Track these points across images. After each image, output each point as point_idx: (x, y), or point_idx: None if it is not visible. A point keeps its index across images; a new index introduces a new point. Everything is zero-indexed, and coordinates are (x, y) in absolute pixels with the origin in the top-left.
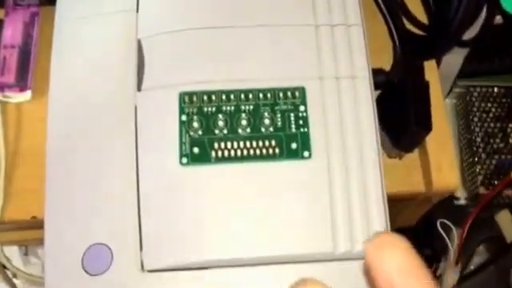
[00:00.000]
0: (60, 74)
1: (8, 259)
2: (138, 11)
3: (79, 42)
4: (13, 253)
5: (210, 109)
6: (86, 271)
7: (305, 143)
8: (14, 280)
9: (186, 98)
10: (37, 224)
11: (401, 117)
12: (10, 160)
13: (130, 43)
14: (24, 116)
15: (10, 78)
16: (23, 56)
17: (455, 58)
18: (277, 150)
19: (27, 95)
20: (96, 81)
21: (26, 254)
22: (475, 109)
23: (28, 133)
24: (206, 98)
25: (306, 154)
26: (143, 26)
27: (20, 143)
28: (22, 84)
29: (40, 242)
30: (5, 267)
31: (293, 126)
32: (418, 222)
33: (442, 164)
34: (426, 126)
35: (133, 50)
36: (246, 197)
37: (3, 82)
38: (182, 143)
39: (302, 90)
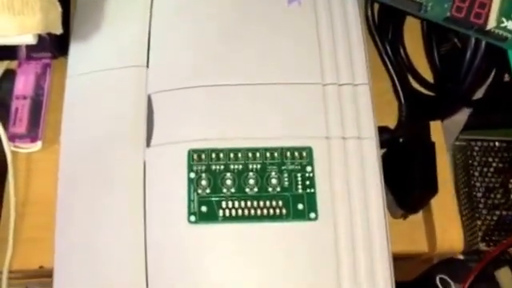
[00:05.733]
0: (71, 127)
1: None
2: (148, 67)
3: (90, 96)
4: None
5: (218, 167)
6: None
7: (311, 204)
8: None
9: (195, 156)
10: (44, 273)
11: (406, 178)
12: (20, 209)
13: (140, 98)
14: (34, 166)
15: (22, 128)
16: (35, 107)
17: (459, 116)
18: (283, 211)
19: (38, 146)
20: (106, 135)
21: None
22: (476, 163)
23: (38, 183)
24: (214, 155)
25: (312, 215)
26: (153, 81)
27: (29, 193)
28: (33, 135)
29: (44, 284)
30: None
31: (299, 186)
32: (416, 276)
33: (446, 225)
34: (432, 189)
35: (143, 106)
36: (253, 257)
37: (15, 132)
38: (190, 201)
39: (309, 151)
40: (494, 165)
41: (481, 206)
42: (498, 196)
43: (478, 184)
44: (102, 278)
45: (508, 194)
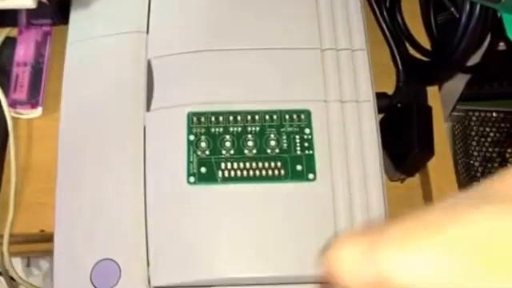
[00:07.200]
0: (71, 93)
1: (15, 271)
2: (148, 33)
3: (90, 61)
4: (15, 264)
5: (217, 129)
6: (94, 286)
7: (310, 165)
8: None
9: (194, 119)
10: (44, 237)
11: (404, 141)
12: (21, 174)
13: (140, 64)
14: (35, 132)
15: (22, 94)
16: (35, 74)
17: (456, 83)
18: (282, 172)
19: (38, 112)
20: (106, 100)
21: (28, 265)
22: (474, 133)
23: (38, 148)
24: (213, 118)
25: (310, 176)
26: (153, 46)
27: (30, 158)
28: (33, 101)
29: (45, 253)
30: (12, 278)
31: (298, 148)
32: None
33: (443, 188)
34: (429, 151)
35: (143, 71)
36: (252, 217)
37: (15, 98)
38: (189, 163)
39: (308, 113)
40: (492, 135)
41: (478, 175)
42: (496, 165)
43: (475, 154)
44: (102, 239)
45: (505, 163)
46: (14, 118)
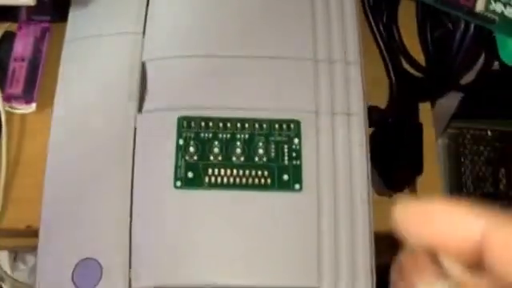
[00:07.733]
0: (65, 90)
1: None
2: (144, 35)
3: (86, 60)
4: (1, 257)
5: (206, 135)
6: (75, 285)
7: (296, 176)
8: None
9: (184, 123)
10: (31, 233)
11: (393, 157)
12: (11, 169)
13: (135, 65)
14: (27, 127)
15: (18, 89)
16: (32, 69)
17: (450, 101)
18: (268, 181)
19: (32, 107)
20: (99, 99)
21: (14, 259)
22: (467, 151)
23: (30, 144)
24: (203, 123)
25: (296, 186)
26: (148, 49)
27: (21, 153)
28: (28, 96)
29: (32, 248)
30: None
31: (286, 157)
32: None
33: None
34: (417, 169)
35: (136, 72)
36: (236, 224)
37: (11, 93)
38: (177, 167)
39: (297, 123)
40: (486, 154)
41: (470, 195)
42: (488, 185)
43: (468, 172)
44: (86, 239)
45: (498, 183)
46: (7, 113)
